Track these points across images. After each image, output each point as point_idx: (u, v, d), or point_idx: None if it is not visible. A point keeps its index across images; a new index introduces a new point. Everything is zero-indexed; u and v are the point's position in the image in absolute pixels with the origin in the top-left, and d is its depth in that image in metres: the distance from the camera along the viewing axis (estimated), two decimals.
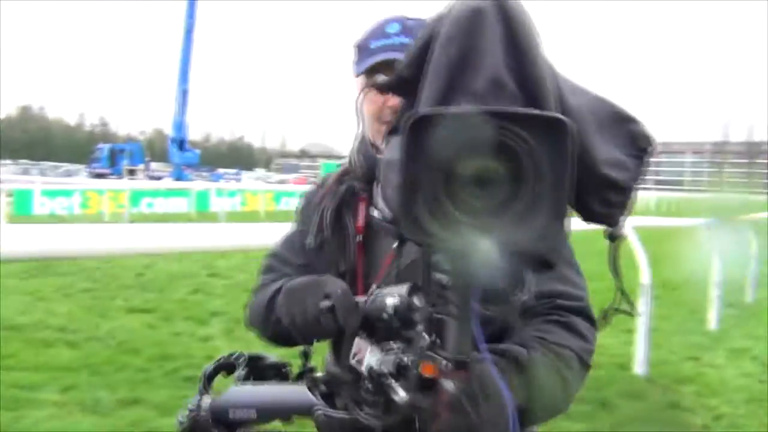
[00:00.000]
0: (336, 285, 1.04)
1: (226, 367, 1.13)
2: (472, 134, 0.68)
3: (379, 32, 1.28)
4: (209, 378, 1.11)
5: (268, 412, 1.02)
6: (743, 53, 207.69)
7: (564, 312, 1.15)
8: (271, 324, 1.23)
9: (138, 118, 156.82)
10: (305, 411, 0.98)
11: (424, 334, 0.82)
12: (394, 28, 1.27)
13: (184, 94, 39.04)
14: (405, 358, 0.84)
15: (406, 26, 1.26)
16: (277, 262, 1.38)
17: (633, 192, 0.87)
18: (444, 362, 0.79)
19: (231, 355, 1.14)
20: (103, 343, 5.74)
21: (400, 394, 0.83)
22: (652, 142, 0.90)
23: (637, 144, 0.88)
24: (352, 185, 1.27)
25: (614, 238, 0.90)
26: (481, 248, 0.69)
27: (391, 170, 0.84)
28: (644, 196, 49.72)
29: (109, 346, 5.69)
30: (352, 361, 0.96)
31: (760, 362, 6.24)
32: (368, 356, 0.91)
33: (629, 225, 6.00)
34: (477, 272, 0.74)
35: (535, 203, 0.69)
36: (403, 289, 0.90)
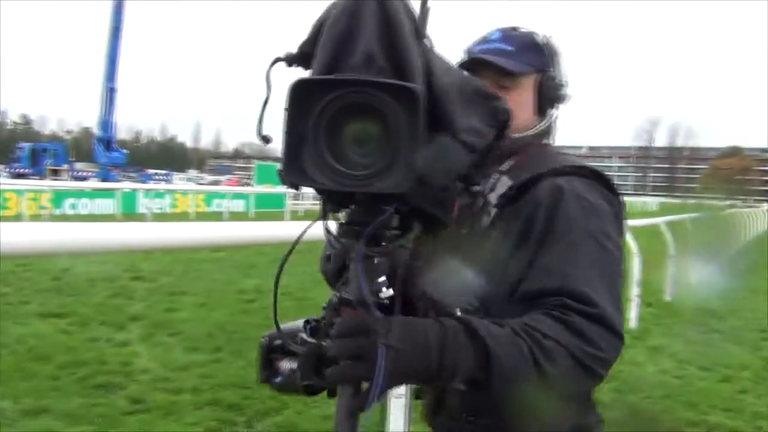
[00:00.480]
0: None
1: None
2: (346, 99, 0.85)
3: (482, 38, 1.42)
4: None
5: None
6: (668, 62, 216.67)
7: (568, 311, 1.14)
8: None
9: (65, 117, 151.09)
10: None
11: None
12: (495, 36, 1.41)
13: (111, 92, 37.92)
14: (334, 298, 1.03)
15: (507, 35, 1.41)
16: None
17: (485, 155, 1.02)
18: (335, 300, 1.00)
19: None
20: (10, 350, 5.43)
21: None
22: (508, 115, 1.06)
23: (496, 117, 1.04)
24: None
25: (474, 194, 1.07)
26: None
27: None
28: None
29: (17, 353, 5.39)
30: None
31: (676, 359, 6.46)
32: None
33: None
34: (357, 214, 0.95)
35: (394, 157, 0.85)
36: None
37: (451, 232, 1.10)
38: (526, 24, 1.47)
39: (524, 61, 1.40)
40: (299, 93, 0.86)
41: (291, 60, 0.98)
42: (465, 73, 1.10)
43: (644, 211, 38.44)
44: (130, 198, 23.09)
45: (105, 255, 8.14)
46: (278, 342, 1.15)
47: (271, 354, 1.16)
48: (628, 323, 7.70)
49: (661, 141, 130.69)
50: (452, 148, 0.97)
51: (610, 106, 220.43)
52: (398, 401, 3.25)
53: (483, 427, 1.36)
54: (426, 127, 0.87)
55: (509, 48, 1.40)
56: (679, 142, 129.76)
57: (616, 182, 1.38)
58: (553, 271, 1.21)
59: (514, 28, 1.44)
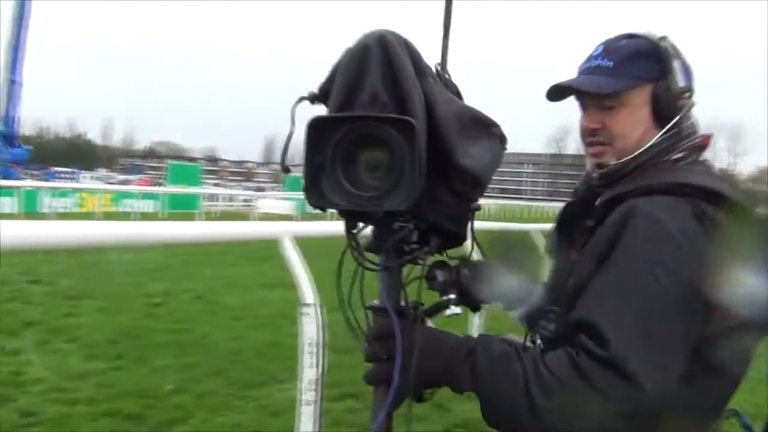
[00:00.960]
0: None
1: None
2: (356, 132, 1.00)
3: (589, 54, 1.36)
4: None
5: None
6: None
7: (580, 350, 1.08)
8: None
9: None
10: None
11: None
12: (597, 50, 1.35)
13: (13, 85, 35.93)
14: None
15: (609, 48, 1.33)
16: None
17: (484, 177, 1.11)
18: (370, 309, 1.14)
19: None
20: None
21: None
22: (504, 141, 1.16)
23: (492, 143, 1.14)
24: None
25: (472, 210, 1.16)
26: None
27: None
28: (488, 203, 52.31)
29: None
30: None
31: None
32: None
33: None
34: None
35: (400, 180, 0.99)
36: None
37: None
38: (638, 26, 1.42)
39: (628, 75, 1.29)
40: (316, 128, 1.02)
41: (313, 99, 1.11)
42: (460, 102, 1.16)
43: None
44: (31, 196, 21.86)
45: None
46: None
47: None
48: None
49: (570, 149, 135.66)
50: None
51: (523, 114, 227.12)
52: (307, 408, 3.15)
53: None
54: (425, 152, 1.00)
55: (608, 63, 1.31)
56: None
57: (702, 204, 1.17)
58: (588, 301, 1.15)
59: (624, 36, 1.34)
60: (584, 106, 1.35)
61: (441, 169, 1.06)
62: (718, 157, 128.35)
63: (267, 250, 12.50)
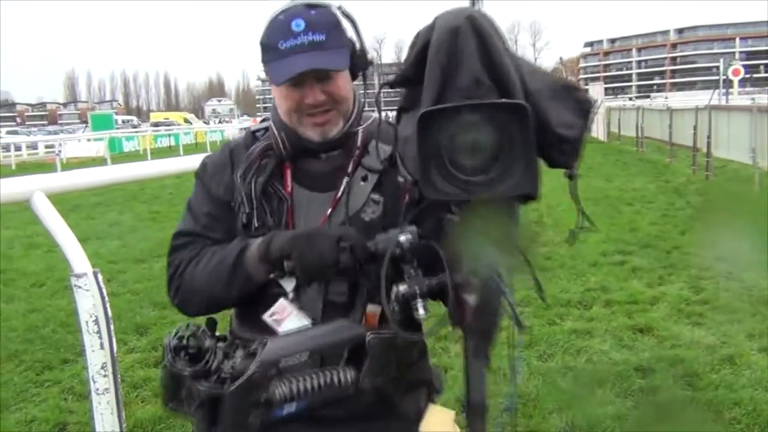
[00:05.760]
0: (347, 230, 1.31)
1: (186, 338, 1.21)
2: (464, 120, 1.01)
3: (285, 31, 1.33)
4: (176, 350, 1.20)
5: (320, 352, 1.20)
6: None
7: None
8: (238, 286, 1.36)
9: None
10: (359, 339, 1.23)
11: (417, 267, 1.20)
12: (299, 26, 1.33)
13: None
14: (433, 282, 1.17)
15: (310, 22, 1.33)
16: (190, 239, 1.46)
17: (580, 143, 1.12)
18: (467, 279, 1.10)
19: (180, 329, 1.22)
20: None
21: (422, 312, 1.16)
22: (592, 104, 1.14)
23: (581, 107, 1.13)
24: (280, 159, 1.43)
25: (572, 177, 1.15)
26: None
27: (408, 145, 1.13)
28: None
29: None
30: (270, 319, 1.31)
31: None
32: (403, 284, 1.19)
33: None
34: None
35: (512, 163, 1.00)
36: (413, 228, 1.21)
37: None
38: None
39: (340, 44, 1.36)
40: (426, 121, 1.01)
41: (394, 84, 1.18)
42: (543, 69, 1.18)
43: None
44: None
45: None
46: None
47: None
48: None
49: (388, 58, 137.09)
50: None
51: None
52: (102, 398, 2.59)
53: None
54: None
55: (321, 37, 1.33)
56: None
57: None
58: None
59: (306, 7, 1.35)
60: (300, 82, 1.35)
61: (538, 141, 1.04)
62: (525, 53, 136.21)
63: (78, 199, 11.31)
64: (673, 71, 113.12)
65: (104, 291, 2.55)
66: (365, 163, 1.42)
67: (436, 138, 1.01)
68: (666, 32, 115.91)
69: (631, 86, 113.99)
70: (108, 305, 2.57)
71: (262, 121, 1.54)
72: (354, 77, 1.43)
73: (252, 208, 1.41)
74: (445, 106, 1.02)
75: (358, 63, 1.40)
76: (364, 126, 1.45)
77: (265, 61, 1.37)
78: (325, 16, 1.35)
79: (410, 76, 1.12)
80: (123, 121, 53.67)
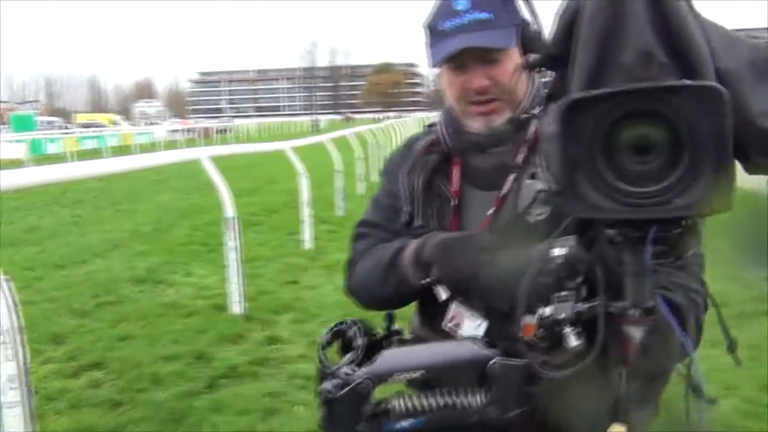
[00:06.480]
0: (488, 239, 1.19)
1: (340, 335, 1.19)
2: (626, 108, 0.74)
3: (447, 10, 1.25)
4: (324, 346, 1.16)
5: (437, 371, 1.06)
6: None
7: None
8: (392, 286, 1.30)
9: None
10: (480, 364, 1.05)
11: (581, 287, 0.93)
12: (462, 4, 1.24)
13: None
14: (584, 307, 0.90)
15: (476, 0, 1.23)
16: (370, 229, 1.44)
17: None
18: (632, 311, 0.83)
19: (343, 323, 1.20)
20: None
21: (572, 343, 0.91)
22: None
23: None
24: (445, 154, 1.35)
25: None
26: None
27: (549, 143, 0.88)
28: (245, 124, 51.27)
29: None
30: (449, 325, 1.23)
31: None
32: (549, 306, 0.94)
33: (207, 156, 5.50)
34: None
35: (696, 168, 0.72)
36: (570, 241, 0.95)
37: None
38: None
39: (508, 23, 1.24)
40: (574, 113, 0.76)
41: (535, 65, 0.94)
42: (748, 40, 0.87)
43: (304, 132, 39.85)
44: None
45: None
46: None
47: None
48: (302, 245, 7.60)
49: (323, 61, 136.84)
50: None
51: (276, 29, 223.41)
52: (12, 412, 2.47)
53: None
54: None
55: (486, 15, 1.23)
56: (339, 62, 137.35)
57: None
58: None
59: None
60: (463, 65, 1.26)
61: (735, 136, 0.76)
62: None
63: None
64: None
65: (16, 299, 2.46)
66: (536, 159, 1.20)
67: (587, 135, 0.75)
68: None
69: None
70: (20, 314, 2.48)
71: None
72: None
73: (413, 206, 1.35)
74: (601, 92, 0.76)
75: (533, 45, 1.16)
76: (536, 112, 1.24)
77: (427, 44, 1.29)
78: None
79: (557, 55, 0.87)
80: (48, 123, 51.62)
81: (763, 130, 0.82)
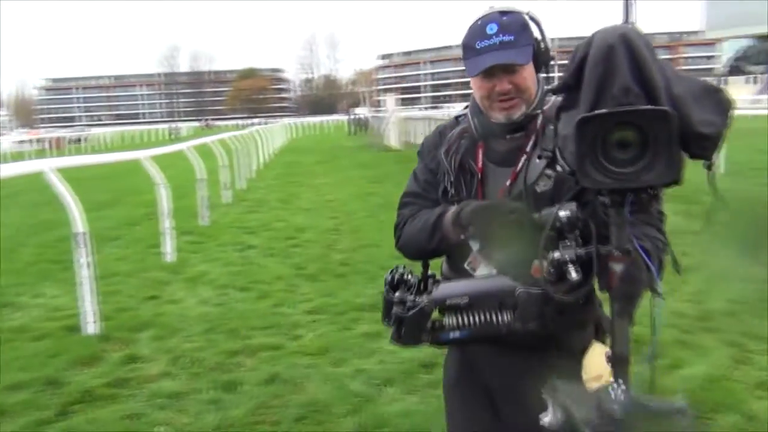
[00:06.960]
0: (517, 206, 1.58)
1: (398, 275, 1.57)
2: (614, 121, 1.18)
3: (481, 33, 1.68)
4: (390, 283, 1.56)
5: (478, 298, 1.48)
6: None
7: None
8: (436, 242, 1.72)
9: None
10: (509, 292, 1.47)
11: (578, 237, 1.36)
12: (492, 29, 1.67)
13: None
14: (582, 251, 1.33)
15: (503, 24, 1.67)
16: (413, 198, 1.88)
17: (720, 138, 1.28)
18: (615, 252, 1.24)
19: (397, 268, 1.58)
20: None
21: (574, 275, 1.33)
22: (732, 104, 1.31)
23: (721, 106, 1.29)
24: (473, 139, 1.80)
25: (710, 167, 1.31)
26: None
27: (566, 142, 1.30)
28: (103, 133, 48.44)
29: None
30: (467, 267, 1.71)
31: (216, 285, 6.31)
32: (557, 251, 1.36)
33: (52, 168, 5.16)
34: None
35: (657, 156, 1.16)
36: (572, 206, 1.38)
37: None
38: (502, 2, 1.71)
39: (526, 43, 1.66)
40: (584, 125, 1.18)
41: (557, 91, 1.36)
42: (690, 76, 1.33)
43: (165, 140, 38.21)
44: None
45: None
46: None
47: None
48: (163, 257, 7.33)
49: (185, 67, 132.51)
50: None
51: (133, 32, 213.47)
52: None
53: None
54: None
55: (510, 38, 1.65)
56: (202, 67, 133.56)
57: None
58: None
59: (500, 13, 1.69)
60: (491, 74, 1.68)
61: (681, 137, 1.19)
62: (321, 64, 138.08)
63: None
64: (462, 83, 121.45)
65: None
66: (542, 144, 1.68)
67: (592, 138, 1.17)
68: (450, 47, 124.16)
69: (423, 97, 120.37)
70: None
71: (466, 108, 1.87)
72: (538, 69, 1.73)
73: (450, 180, 1.78)
74: (600, 113, 1.19)
75: (542, 58, 1.71)
76: (545, 108, 1.71)
77: (465, 58, 1.70)
78: (514, 20, 1.67)
79: (570, 83, 1.30)
80: None
81: (698, 133, 1.25)
